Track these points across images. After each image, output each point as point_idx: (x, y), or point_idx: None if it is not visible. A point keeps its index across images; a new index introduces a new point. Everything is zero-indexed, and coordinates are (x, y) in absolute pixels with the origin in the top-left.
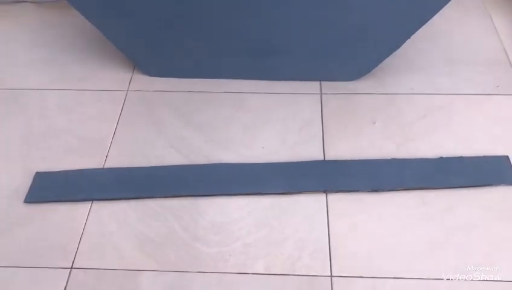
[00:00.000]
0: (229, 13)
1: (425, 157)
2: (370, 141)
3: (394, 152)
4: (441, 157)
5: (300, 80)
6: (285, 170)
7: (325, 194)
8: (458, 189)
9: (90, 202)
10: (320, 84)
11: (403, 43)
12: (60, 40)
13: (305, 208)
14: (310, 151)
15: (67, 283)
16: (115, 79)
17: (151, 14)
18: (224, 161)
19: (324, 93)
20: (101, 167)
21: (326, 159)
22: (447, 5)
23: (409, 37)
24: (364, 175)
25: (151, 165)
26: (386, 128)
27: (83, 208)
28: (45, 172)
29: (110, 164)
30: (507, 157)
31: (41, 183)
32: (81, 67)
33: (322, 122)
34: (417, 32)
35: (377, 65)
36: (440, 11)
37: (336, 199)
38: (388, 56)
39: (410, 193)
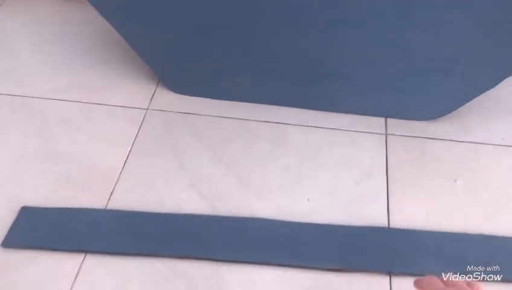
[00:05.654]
0: (279, 26)
1: None
2: (449, 205)
3: (481, 225)
4: None
5: (361, 113)
6: (336, 237)
7: (388, 277)
8: None
9: (84, 254)
10: (386, 122)
11: (500, 81)
12: (78, 41)
13: None
14: (370, 214)
15: None
16: (134, 93)
17: (183, 21)
18: (257, 215)
19: (390, 134)
20: (103, 207)
21: (391, 226)
22: None
23: (510, 75)
24: (443, 254)
25: (165, 212)
26: (471, 189)
27: (73, 261)
28: (33, 207)
29: (115, 204)
30: None
31: (26, 222)
32: (96, 74)
33: (387, 174)
34: None
35: (461, 105)
36: None
37: (403, 284)
38: (478, 95)
39: (506, 286)
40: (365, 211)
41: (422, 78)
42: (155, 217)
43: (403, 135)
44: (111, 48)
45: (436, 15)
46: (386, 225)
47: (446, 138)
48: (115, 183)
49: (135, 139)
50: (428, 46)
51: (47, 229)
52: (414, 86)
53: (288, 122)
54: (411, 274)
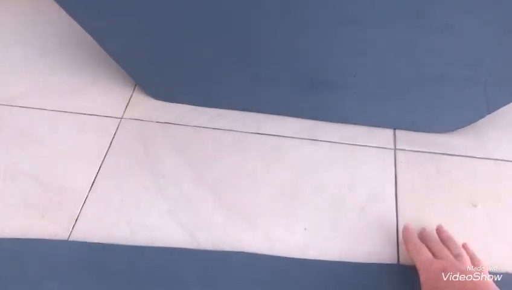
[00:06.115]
0: (274, 25)
1: None
2: (469, 235)
3: (507, 259)
4: None
5: (366, 124)
6: (337, 275)
7: None
8: None
9: None
10: (395, 135)
11: None
12: (49, 40)
13: None
14: (377, 246)
15: None
16: (106, 99)
17: (162, 15)
18: (245, 248)
19: (399, 149)
20: (66, 238)
21: (401, 262)
22: None
23: None
24: None
25: (138, 245)
26: (493, 216)
27: None
28: None
29: (80, 233)
30: None
31: None
32: (65, 78)
33: (396, 197)
34: None
35: (482, 117)
36: None
37: None
38: (503, 106)
39: None
40: (371, 242)
41: (437, 86)
42: (126, 250)
43: (414, 150)
44: (83, 48)
45: (456, 14)
46: (396, 260)
47: (464, 154)
48: (80, 209)
49: (106, 154)
50: (446, 50)
51: None
52: (428, 95)
53: (283, 135)
54: None
